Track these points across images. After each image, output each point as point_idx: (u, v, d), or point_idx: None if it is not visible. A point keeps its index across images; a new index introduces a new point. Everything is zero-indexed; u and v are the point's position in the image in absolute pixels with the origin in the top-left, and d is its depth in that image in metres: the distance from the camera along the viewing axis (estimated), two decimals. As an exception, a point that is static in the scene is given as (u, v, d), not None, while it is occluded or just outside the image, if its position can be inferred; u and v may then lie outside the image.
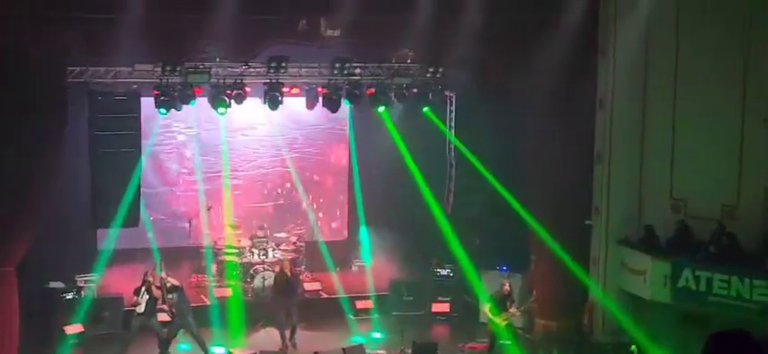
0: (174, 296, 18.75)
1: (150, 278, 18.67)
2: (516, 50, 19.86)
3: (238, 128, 23.19)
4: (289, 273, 20.19)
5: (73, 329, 19.24)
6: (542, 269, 20.83)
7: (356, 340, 19.89)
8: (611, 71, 19.92)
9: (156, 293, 18.60)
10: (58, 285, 20.25)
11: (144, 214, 21.24)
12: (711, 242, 18.62)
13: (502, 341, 19.26)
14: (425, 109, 21.86)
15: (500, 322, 18.94)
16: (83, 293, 20.35)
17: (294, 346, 19.66)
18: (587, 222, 20.48)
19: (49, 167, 18.11)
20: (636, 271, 19.38)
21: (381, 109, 21.65)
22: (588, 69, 20.00)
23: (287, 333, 19.68)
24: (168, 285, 18.79)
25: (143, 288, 18.55)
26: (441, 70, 21.26)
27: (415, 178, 22.08)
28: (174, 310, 18.76)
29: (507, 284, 19.53)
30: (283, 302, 19.78)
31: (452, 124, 22.43)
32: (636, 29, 19.56)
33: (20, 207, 17.76)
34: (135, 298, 18.68)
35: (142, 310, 18.57)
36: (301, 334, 19.96)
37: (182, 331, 19.00)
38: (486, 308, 19.24)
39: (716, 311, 17.43)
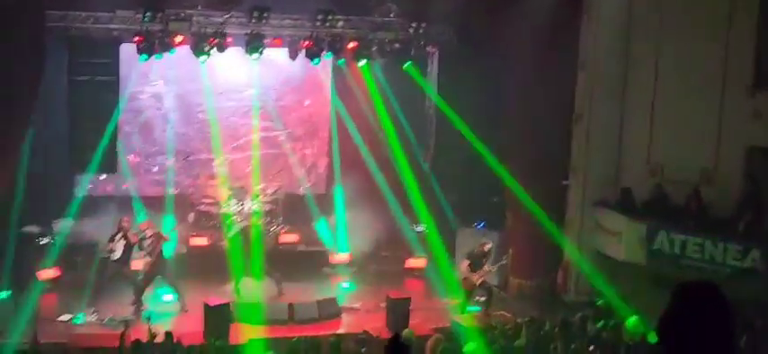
0: (151, 243, 18.72)
1: (125, 225, 18.62)
2: (500, 8, 19.78)
3: (220, 81, 23.05)
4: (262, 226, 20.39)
5: (47, 273, 19.20)
6: (518, 228, 20.89)
7: (345, 287, 20.07)
8: (594, 32, 19.91)
9: (132, 239, 18.57)
10: (34, 229, 20.17)
11: (123, 160, 21.19)
12: (686, 208, 18.71)
13: (477, 298, 19.39)
14: (407, 64, 21.79)
15: (476, 279, 19.03)
16: (58, 238, 20.31)
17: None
18: (565, 182, 20.55)
19: (26, 111, 17.97)
20: (611, 232, 19.49)
21: (362, 63, 21.57)
22: (572, 29, 19.98)
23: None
24: (149, 233, 18.76)
25: (118, 235, 18.51)
26: (424, 25, 21.18)
27: (395, 133, 22.12)
28: (150, 258, 18.73)
29: (488, 243, 19.60)
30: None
31: (434, 80, 22.37)
32: (621, -10, 19.59)
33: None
34: (110, 245, 18.62)
35: (117, 257, 18.54)
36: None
37: (158, 278, 19.00)
38: (464, 265, 19.30)
39: (689, 274, 17.52)
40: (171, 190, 22.74)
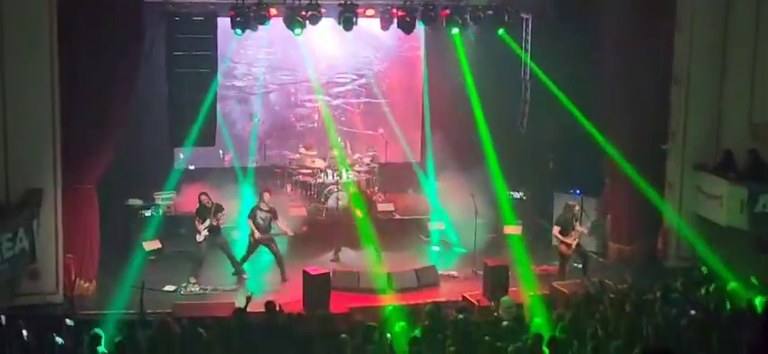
0: (266, 217, 19.02)
1: (204, 199, 18.93)
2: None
3: (315, 52, 23.20)
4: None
5: (150, 245, 19.62)
6: (617, 193, 20.69)
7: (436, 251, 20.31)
8: (692, -10, 19.57)
9: (215, 219, 18.84)
10: (137, 202, 20.69)
11: (221, 133, 21.57)
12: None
13: (574, 264, 19.29)
14: (500, 31, 21.60)
15: (570, 241, 18.93)
16: (160, 210, 20.78)
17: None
18: (663, 146, 20.25)
19: (127, 86, 18.34)
20: (712, 196, 19.20)
21: (455, 31, 21.47)
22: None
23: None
24: (268, 207, 19.04)
25: (203, 210, 18.85)
26: (517, -9, 21.00)
27: (489, 100, 22.04)
28: (260, 232, 19.02)
29: (576, 205, 19.52)
30: None
31: (528, 46, 22.18)
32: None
33: (99, 127, 18.04)
34: (195, 223, 18.95)
35: (201, 238, 18.84)
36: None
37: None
38: (555, 231, 19.24)
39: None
40: (268, 162, 23.11)
